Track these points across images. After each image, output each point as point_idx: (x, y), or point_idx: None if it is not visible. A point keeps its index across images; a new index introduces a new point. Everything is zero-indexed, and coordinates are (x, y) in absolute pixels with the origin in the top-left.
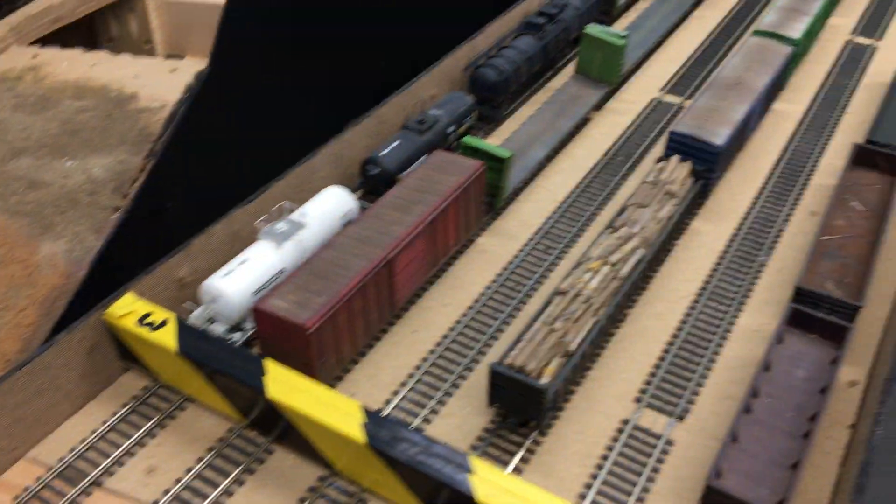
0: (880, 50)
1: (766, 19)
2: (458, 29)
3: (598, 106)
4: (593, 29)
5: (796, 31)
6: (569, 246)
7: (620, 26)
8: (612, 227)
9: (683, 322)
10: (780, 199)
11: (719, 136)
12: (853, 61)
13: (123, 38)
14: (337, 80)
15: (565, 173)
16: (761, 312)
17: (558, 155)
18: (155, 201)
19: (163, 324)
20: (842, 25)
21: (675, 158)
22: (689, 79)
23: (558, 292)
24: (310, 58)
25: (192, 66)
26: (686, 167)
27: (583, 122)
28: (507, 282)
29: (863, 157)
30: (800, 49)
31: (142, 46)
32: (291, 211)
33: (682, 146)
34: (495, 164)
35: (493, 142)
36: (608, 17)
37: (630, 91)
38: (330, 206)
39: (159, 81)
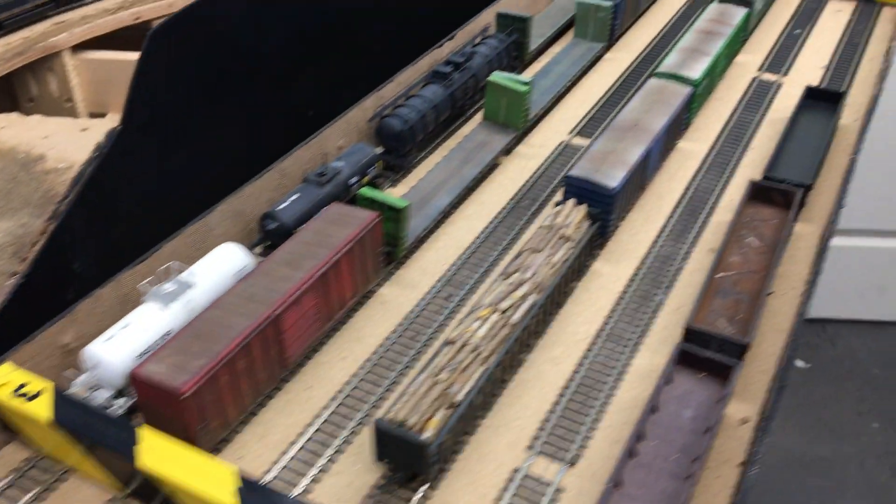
0: (785, 85)
1: (667, 61)
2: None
3: (507, 151)
4: (497, 76)
5: (696, 71)
6: (470, 293)
7: (532, 71)
8: (504, 273)
9: (580, 365)
10: (680, 238)
11: (614, 178)
12: (758, 98)
13: (44, 97)
14: (257, 133)
15: (471, 219)
16: (657, 353)
17: (465, 201)
18: (59, 263)
19: (38, 394)
20: (749, 63)
21: (570, 202)
22: (597, 121)
23: (447, 342)
24: (228, 110)
25: (106, 125)
26: (582, 210)
27: (491, 168)
28: (406, 332)
29: (759, 192)
30: (700, 89)
31: (63, 105)
32: (180, 271)
33: (578, 190)
34: (392, 215)
35: (401, 190)
36: (520, 63)
37: (539, 135)
38: (222, 264)
39: (69, 141)
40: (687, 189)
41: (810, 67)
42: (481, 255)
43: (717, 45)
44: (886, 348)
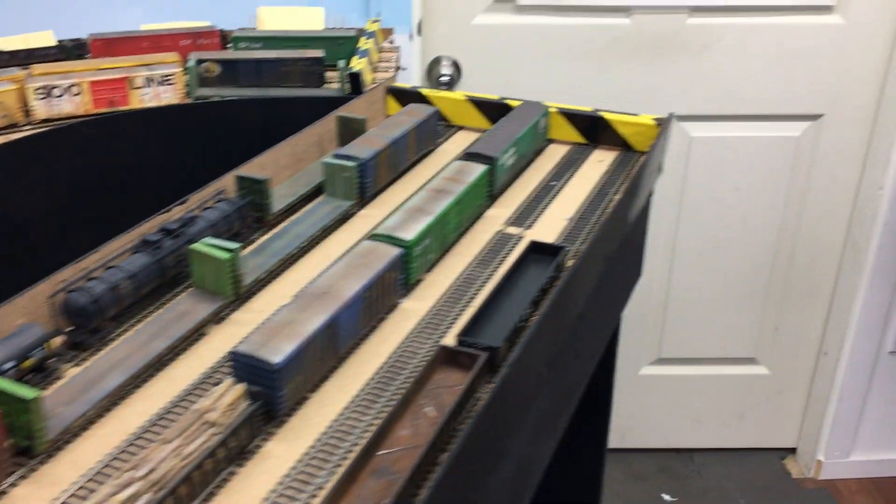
0: (525, 238)
1: (387, 222)
2: None
3: (219, 319)
4: (200, 244)
5: (412, 232)
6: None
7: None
8: (117, 472)
9: None
10: (368, 408)
11: (281, 352)
12: (495, 253)
13: None
14: None
15: (152, 398)
16: None
17: (152, 378)
18: None
19: None
20: (498, 216)
21: (227, 381)
22: None
23: None
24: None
25: None
26: (237, 390)
27: (195, 339)
28: None
29: (451, 357)
30: (419, 249)
31: None
32: None
33: (244, 366)
34: (22, 406)
35: (79, 370)
36: (260, 225)
37: (263, 299)
38: None
39: None
40: (393, 353)
41: (556, 219)
42: (147, 440)
43: (444, 204)
44: (749, 476)
